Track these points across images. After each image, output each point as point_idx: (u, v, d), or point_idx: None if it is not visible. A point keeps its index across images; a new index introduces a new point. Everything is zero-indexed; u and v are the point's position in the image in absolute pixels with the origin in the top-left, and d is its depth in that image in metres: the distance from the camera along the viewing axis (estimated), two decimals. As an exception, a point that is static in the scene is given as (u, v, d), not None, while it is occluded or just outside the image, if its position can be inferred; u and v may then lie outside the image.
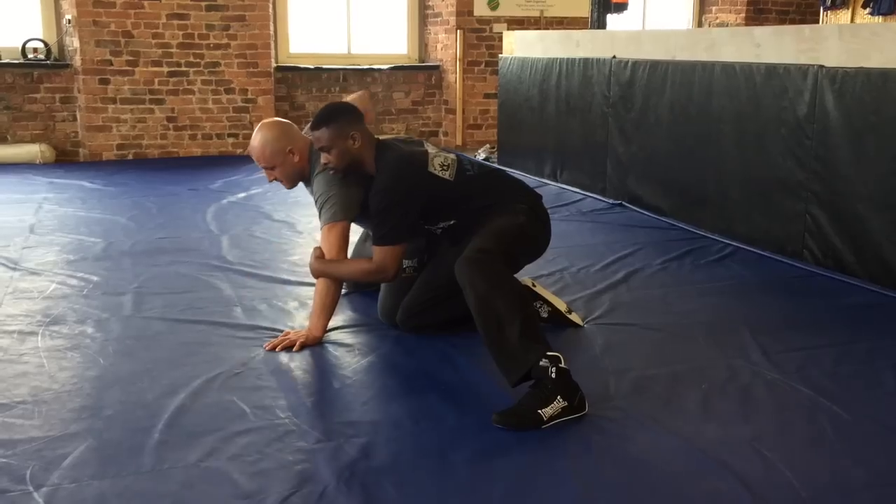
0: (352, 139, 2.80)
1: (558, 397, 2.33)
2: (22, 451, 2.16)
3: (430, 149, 2.91)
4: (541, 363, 2.36)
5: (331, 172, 2.88)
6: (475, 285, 2.51)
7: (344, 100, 3.33)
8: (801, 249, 4.02)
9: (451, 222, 2.89)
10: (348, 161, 2.83)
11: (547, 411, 2.32)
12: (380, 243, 2.77)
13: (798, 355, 2.86)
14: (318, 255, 2.91)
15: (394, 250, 2.77)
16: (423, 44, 8.23)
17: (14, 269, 3.82)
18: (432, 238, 3.04)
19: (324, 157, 2.84)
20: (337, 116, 2.83)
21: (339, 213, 2.89)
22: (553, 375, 2.35)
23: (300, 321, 3.16)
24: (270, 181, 3.06)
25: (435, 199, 2.83)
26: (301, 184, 3.09)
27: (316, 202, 2.98)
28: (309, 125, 2.91)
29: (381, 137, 3.05)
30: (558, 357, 2.39)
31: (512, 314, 2.44)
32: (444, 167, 2.84)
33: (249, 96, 7.32)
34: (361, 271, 2.92)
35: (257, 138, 2.96)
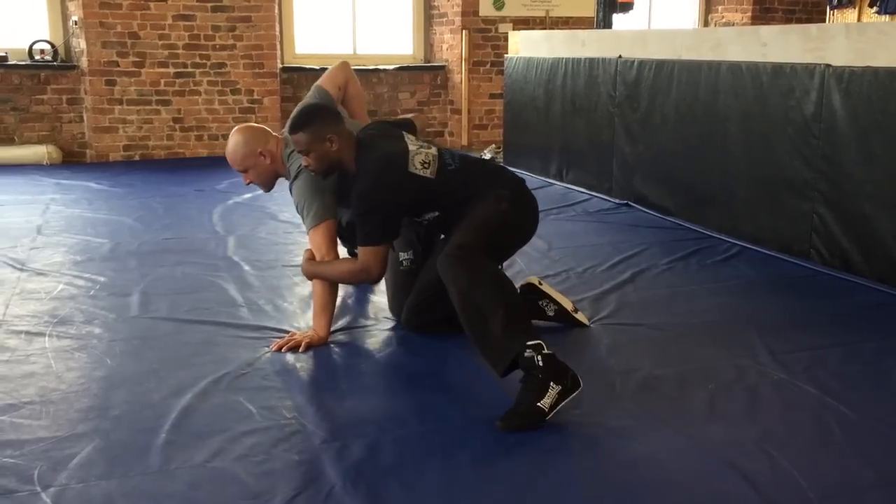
0: (329, 142, 2.77)
1: (551, 384, 2.32)
2: (29, 452, 2.17)
3: (411, 145, 2.85)
4: (525, 354, 2.35)
5: (311, 174, 2.88)
6: (456, 282, 2.52)
7: (325, 74, 3.31)
8: (808, 249, 4.01)
9: (436, 214, 2.88)
10: (327, 164, 2.82)
11: (546, 402, 2.31)
12: (363, 244, 2.78)
13: (805, 355, 2.85)
14: (309, 256, 2.94)
15: (376, 250, 2.77)
16: (428, 44, 8.23)
17: (21, 269, 3.83)
18: (427, 229, 3.04)
19: (304, 160, 2.84)
20: (312, 120, 2.80)
21: (319, 213, 2.90)
22: (540, 363, 2.34)
23: (306, 321, 3.16)
24: (247, 184, 3.11)
25: (417, 197, 2.81)
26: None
27: (297, 209, 3.00)
28: (286, 128, 2.91)
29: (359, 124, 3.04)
30: (541, 344, 2.37)
31: (494, 305, 2.44)
32: (425, 165, 2.79)
33: (255, 97, 7.33)
34: (348, 272, 2.92)
35: (229, 144, 3.03)
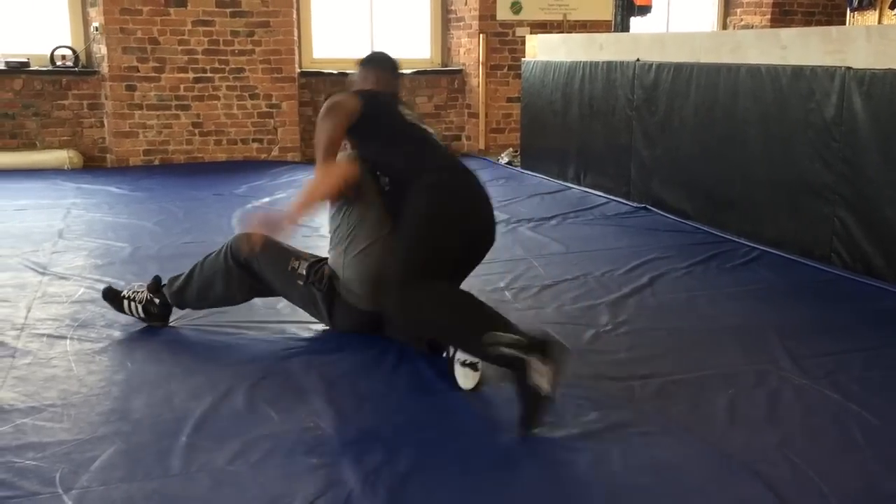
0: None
1: (533, 359, 2.25)
2: (51, 454, 2.19)
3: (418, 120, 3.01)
4: (505, 352, 2.30)
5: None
6: (418, 323, 2.65)
7: None
8: (830, 253, 3.98)
9: (387, 181, 2.85)
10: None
11: (535, 377, 2.24)
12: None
13: (827, 360, 2.82)
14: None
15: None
16: (445, 48, 8.24)
17: (43, 273, 3.87)
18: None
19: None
20: (375, 62, 3.17)
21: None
22: (514, 352, 2.29)
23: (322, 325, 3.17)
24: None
25: (380, 129, 2.87)
26: None
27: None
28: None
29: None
30: (514, 338, 2.31)
31: (454, 328, 2.53)
32: (410, 115, 2.97)
33: (274, 101, 7.36)
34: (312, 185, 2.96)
35: None
